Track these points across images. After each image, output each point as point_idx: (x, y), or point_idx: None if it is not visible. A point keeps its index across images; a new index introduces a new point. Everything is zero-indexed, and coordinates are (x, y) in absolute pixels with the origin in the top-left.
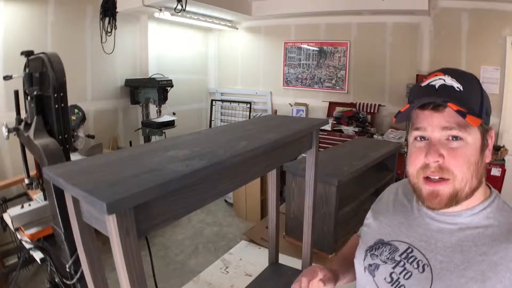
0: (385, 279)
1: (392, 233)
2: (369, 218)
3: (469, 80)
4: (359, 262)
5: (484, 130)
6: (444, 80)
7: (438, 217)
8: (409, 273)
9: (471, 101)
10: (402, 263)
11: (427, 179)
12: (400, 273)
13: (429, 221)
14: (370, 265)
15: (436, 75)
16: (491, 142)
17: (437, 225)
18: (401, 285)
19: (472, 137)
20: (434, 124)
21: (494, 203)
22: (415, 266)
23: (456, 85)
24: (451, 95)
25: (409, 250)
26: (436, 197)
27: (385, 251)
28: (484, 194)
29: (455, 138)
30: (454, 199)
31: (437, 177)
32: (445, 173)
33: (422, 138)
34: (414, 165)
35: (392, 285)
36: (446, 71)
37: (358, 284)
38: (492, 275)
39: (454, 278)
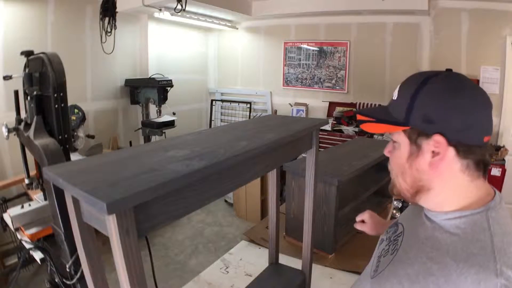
0: (378, 254)
1: (404, 216)
2: None
3: (406, 87)
4: (382, 235)
5: (415, 136)
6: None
7: (426, 212)
8: (387, 253)
9: (396, 109)
10: (390, 243)
11: None
12: (384, 250)
13: (423, 214)
14: (382, 239)
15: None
16: (429, 149)
17: (423, 219)
18: (379, 261)
19: (400, 141)
20: None
21: (475, 216)
22: (392, 248)
23: (395, 94)
24: (389, 104)
25: (399, 234)
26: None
27: (392, 229)
28: (471, 203)
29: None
30: (394, 189)
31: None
32: (390, 166)
33: None
34: None
35: (377, 260)
36: (406, 79)
37: None
38: (422, 280)
39: (399, 269)
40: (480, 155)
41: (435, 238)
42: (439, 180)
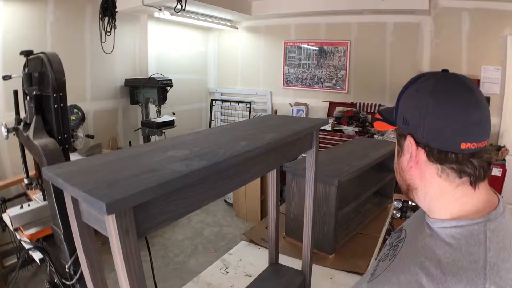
0: (379, 257)
1: (409, 221)
2: None
3: (401, 91)
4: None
5: (399, 136)
6: None
7: (427, 219)
8: (386, 258)
9: (389, 110)
10: (391, 248)
11: None
12: (385, 255)
13: (424, 221)
14: (386, 244)
15: None
16: (406, 149)
17: (424, 226)
18: (378, 266)
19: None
20: None
21: (472, 227)
22: (392, 254)
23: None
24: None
25: (401, 240)
26: None
27: (396, 235)
28: (469, 213)
29: None
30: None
31: None
32: None
33: None
34: None
35: (376, 264)
36: None
37: None
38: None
39: (393, 276)
40: (457, 162)
41: (430, 246)
42: (420, 181)
